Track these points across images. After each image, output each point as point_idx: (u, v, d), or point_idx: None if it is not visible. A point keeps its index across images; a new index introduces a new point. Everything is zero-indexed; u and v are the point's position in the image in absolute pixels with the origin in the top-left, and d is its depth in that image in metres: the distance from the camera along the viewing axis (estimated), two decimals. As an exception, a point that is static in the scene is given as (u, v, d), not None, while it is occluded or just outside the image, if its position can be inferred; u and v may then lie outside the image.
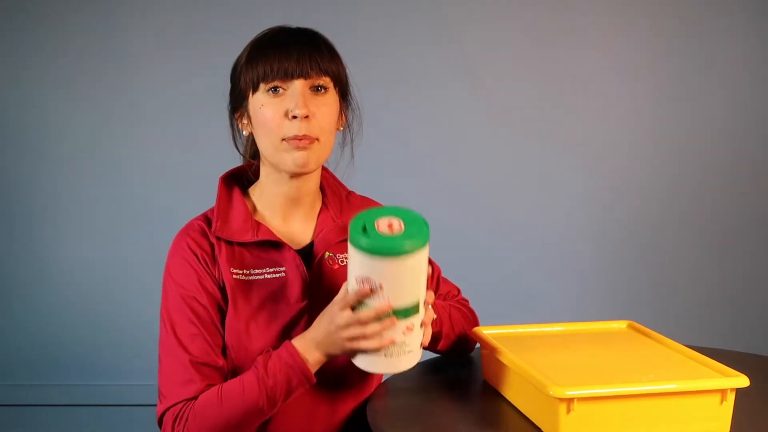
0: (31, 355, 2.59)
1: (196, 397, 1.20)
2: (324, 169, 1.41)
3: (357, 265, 1.11)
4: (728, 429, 1.11)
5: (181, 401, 1.20)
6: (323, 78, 1.25)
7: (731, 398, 1.10)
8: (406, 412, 1.20)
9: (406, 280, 1.11)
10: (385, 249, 1.07)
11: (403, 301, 1.11)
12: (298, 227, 1.34)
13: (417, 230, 1.09)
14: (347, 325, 1.13)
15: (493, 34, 2.56)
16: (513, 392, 1.16)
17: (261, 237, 1.28)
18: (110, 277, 2.57)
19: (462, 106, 2.57)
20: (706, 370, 1.16)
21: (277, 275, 1.28)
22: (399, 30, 2.54)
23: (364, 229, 1.09)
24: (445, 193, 2.58)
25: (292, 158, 1.24)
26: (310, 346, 1.18)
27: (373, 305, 1.10)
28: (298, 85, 1.23)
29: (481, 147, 2.58)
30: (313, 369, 1.19)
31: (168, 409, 1.21)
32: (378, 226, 1.10)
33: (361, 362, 1.16)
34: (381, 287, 1.09)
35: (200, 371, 1.21)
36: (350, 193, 1.44)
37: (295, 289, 1.27)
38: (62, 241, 2.57)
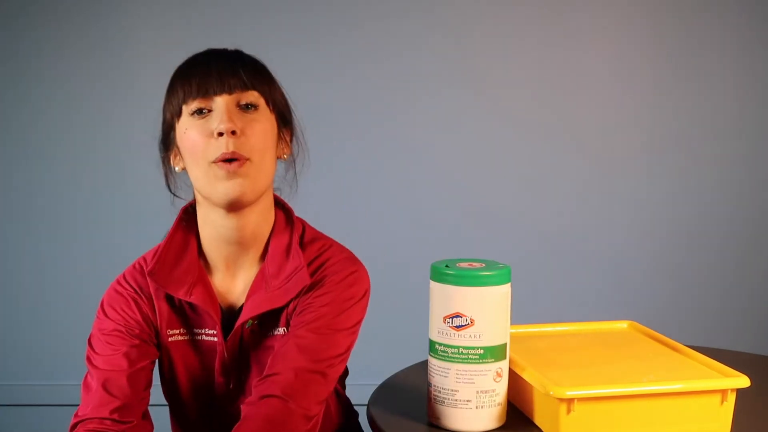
0: (31, 355, 2.59)
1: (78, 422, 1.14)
2: (280, 206, 1.24)
3: (444, 302, 1.09)
4: (728, 429, 1.11)
5: (73, 422, 1.15)
6: (249, 93, 1.13)
7: (732, 398, 1.10)
8: (406, 412, 1.20)
9: (499, 313, 1.10)
10: (477, 278, 1.08)
11: (495, 338, 1.09)
12: (243, 277, 1.20)
13: (501, 267, 1.11)
14: None
15: (495, 34, 2.55)
16: (513, 392, 1.16)
17: (193, 299, 1.16)
18: (110, 277, 2.56)
19: (463, 106, 2.57)
20: (706, 370, 1.16)
21: (214, 338, 1.19)
22: (398, 31, 2.54)
23: (447, 267, 1.10)
24: (446, 193, 2.58)
25: (224, 188, 1.10)
26: None
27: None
28: (222, 102, 1.11)
29: (483, 147, 2.58)
30: None
31: (72, 423, 1.16)
32: (459, 265, 1.11)
33: (442, 419, 1.11)
34: (472, 322, 1.08)
35: (107, 389, 1.14)
36: (292, 244, 1.19)
37: (222, 357, 1.19)
38: (63, 241, 2.57)
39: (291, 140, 1.23)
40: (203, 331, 1.19)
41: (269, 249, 1.18)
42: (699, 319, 2.63)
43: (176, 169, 1.20)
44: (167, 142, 1.19)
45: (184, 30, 2.50)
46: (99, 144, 2.55)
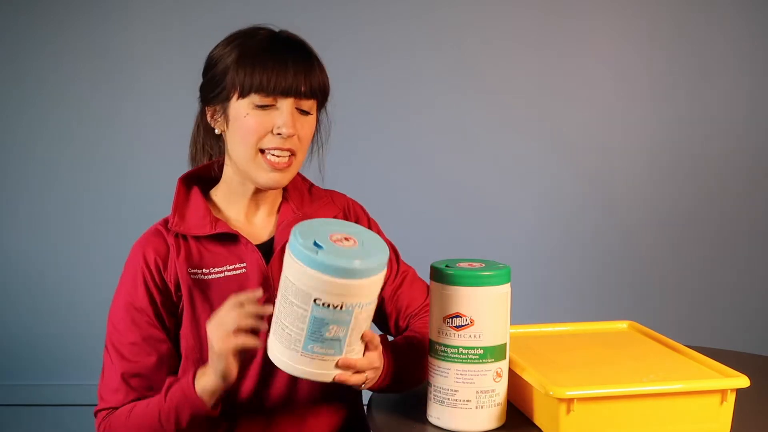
0: (31, 354, 2.59)
1: (117, 407, 1.21)
2: None
3: (444, 302, 1.10)
4: (728, 429, 1.11)
5: (107, 408, 1.21)
6: (311, 101, 1.24)
7: (731, 398, 1.10)
8: (407, 413, 1.20)
9: (498, 313, 1.10)
10: (477, 278, 1.08)
11: (495, 339, 1.09)
12: (260, 223, 1.32)
13: (501, 267, 1.12)
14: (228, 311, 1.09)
15: (495, 34, 2.56)
16: (513, 392, 1.16)
17: (219, 230, 1.25)
18: (109, 277, 2.56)
19: (463, 107, 2.57)
20: (706, 370, 1.16)
21: (238, 272, 1.25)
22: (397, 33, 2.54)
23: (447, 267, 1.11)
24: (445, 193, 2.58)
25: (265, 179, 1.23)
26: (203, 371, 1.13)
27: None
28: (287, 105, 1.21)
29: (481, 148, 2.58)
30: (205, 399, 1.13)
31: (98, 411, 1.23)
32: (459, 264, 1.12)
33: (442, 419, 1.11)
34: (472, 322, 1.08)
35: (129, 382, 1.21)
36: (313, 185, 1.40)
37: (255, 286, 1.23)
38: (66, 242, 2.57)
39: (318, 119, 1.33)
40: (225, 268, 1.25)
41: (289, 193, 1.34)
42: (699, 319, 2.63)
43: (216, 131, 1.28)
44: (214, 100, 1.26)
45: (185, 33, 2.51)
46: (104, 146, 2.55)
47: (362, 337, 1.05)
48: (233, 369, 1.09)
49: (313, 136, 1.32)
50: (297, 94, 1.21)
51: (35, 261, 2.58)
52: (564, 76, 2.57)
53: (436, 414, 1.12)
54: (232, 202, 1.30)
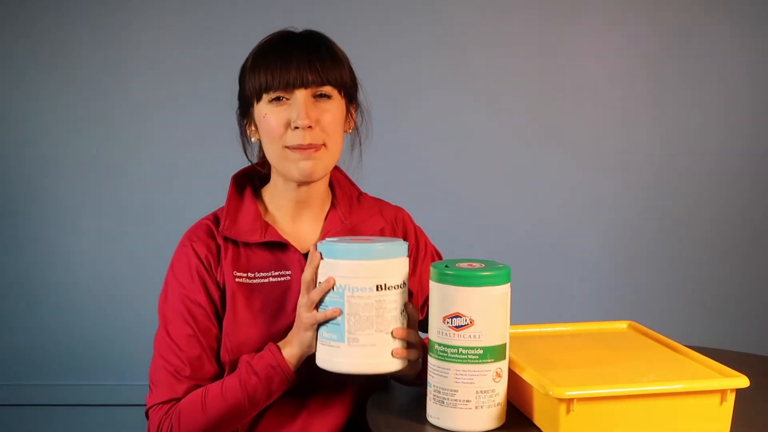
0: (32, 355, 2.59)
1: (181, 398, 1.21)
2: (336, 168, 1.40)
3: (443, 302, 1.10)
4: (728, 429, 1.11)
5: (169, 400, 1.22)
6: (324, 87, 1.25)
7: (731, 399, 1.10)
8: (407, 413, 1.20)
9: (498, 314, 1.10)
10: (476, 278, 1.09)
11: (494, 339, 1.10)
12: (306, 228, 1.33)
13: (501, 267, 1.12)
14: (304, 305, 1.15)
15: (493, 35, 2.56)
16: (513, 392, 1.16)
17: (269, 238, 1.27)
18: (114, 277, 2.56)
19: (461, 108, 2.57)
20: (706, 370, 1.16)
21: (283, 278, 1.27)
22: (396, 32, 2.54)
23: (447, 267, 1.11)
24: (446, 194, 2.58)
25: (297, 168, 1.25)
26: (287, 341, 1.20)
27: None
28: (300, 96, 1.23)
29: (482, 149, 2.58)
30: (291, 364, 1.19)
31: (155, 405, 1.22)
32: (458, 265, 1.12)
33: (442, 419, 1.12)
34: (472, 322, 1.09)
35: (189, 373, 1.22)
36: (362, 194, 1.42)
37: (299, 293, 1.25)
38: (67, 241, 2.57)
39: (356, 113, 1.36)
40: (270, 274, 1.28)
41: (337, 200, 1.36)
42: (699, 319, 2.63)
43: (252, 139, 1.33)
44: (245, 114, 1.32)
45: (183, 34, 2.50)
46: (105, 143, 2.55)
47: (392, 334, 1.13)
48: (314, 340, 1.16)
49: (353, 129, 1.36)
50: (304, 85, 1.23)
51: (33, 261, 2.58)
52: (564, 79, 2.57)
53: (435, 414, 1.12)
54: (277, 204, 1.33)
